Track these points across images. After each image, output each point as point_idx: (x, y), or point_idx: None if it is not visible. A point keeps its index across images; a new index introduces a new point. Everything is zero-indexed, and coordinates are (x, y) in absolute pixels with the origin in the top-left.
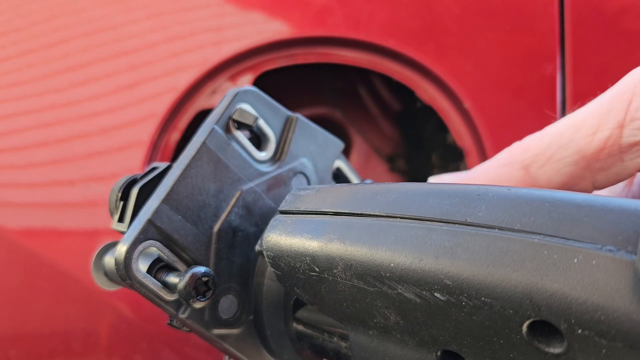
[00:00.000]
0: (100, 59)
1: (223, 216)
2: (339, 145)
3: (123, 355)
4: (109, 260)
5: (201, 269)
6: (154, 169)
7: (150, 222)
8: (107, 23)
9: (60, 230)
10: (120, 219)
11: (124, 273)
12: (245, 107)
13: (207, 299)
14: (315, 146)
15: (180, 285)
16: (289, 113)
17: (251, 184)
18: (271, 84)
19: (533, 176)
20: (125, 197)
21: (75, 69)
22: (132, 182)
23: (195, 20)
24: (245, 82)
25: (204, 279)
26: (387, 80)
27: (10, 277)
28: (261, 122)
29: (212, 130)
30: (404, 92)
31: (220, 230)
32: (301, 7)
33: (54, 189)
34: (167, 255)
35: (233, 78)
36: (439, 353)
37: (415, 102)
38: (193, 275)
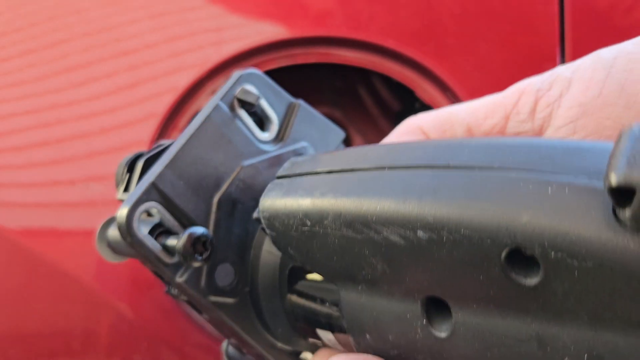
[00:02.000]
0: (100, 59)
1: (224, 187)
2: (340, 134)
3: (123, 355)
4: (113, 230)
5: (199, 229)
6: (159, 145)
7: (153, 185)
8: (107, 23)
9: (60, 230)
10: (126, 189)
11: (125, 231)
12: (249, 87)
13: (204, 259)
14: (316, 132)
15: (179, 244)
16: (292, 99)
17: (252, 160)
18: None
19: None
20: (131, 169)
21: (75, 69)
22: (138, 157)
23: (195, 20)
24: None
25: (202, 238)
26: (387, 80)
27: (10, 276)
28: (264, 103)
29: (217, 105)
30: (403, 92)
31: (220, 200)
32: (301, 7)
33: (54, 188)
34: (168, 219)
35: None
36: (424, 300)
37: (415, 102)
38: (191, 234)
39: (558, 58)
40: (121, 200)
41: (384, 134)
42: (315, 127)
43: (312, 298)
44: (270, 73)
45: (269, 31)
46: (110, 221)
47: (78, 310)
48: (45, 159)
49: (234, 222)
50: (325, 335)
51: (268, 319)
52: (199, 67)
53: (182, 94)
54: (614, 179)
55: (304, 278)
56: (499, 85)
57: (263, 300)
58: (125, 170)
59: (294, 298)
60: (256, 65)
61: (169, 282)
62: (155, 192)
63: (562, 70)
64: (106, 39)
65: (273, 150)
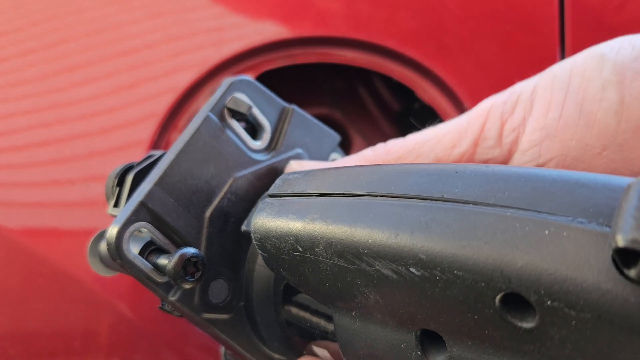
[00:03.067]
0: (101, 59)
1: (215, 201)
2: (335, 138)
3: (123, 355)
4: (104, 245)
5: (190, 250)
6: (150, 156)
7: (142, 204)
8: (107, 23)
9: (61, 230)
10: (116, 204)
11: (115, 253)
12: (240, 96)
13: (195, 280)
14: (310, 138)
15: (170, 266)
16: (285, 104)
17: (245, 172)
18: (271, 84)
19: None
20: (121, 183)
21: (75, 68)
22: (128, 169)
23: (195, 20)
24: None
25: (193, 259)
26: (387, 81)
27: (10, 276)
28: (256, 111)
29: (207, 117)
30: (404, 92)
31: (212, 215)
32: (301, 7)
33: (54, 188)
34: (158, 238)
35: None
36: (418, 332)
37: (415, 102)
38: (182, 256)
39: (558, 58)
40: (112, 216)
41: (384, 133)
42: (309, 132)
43: (307, 313)
44: (270, 73)
45: (269, 31)
46: (102, 235)
47: (78, 310)
48: (46, 159)
49: (226, 237)
50: (321, 351)
51: (264, 332)
52: (198, 67)
53: (182, 94)
54: (620, 241)
55: (298, 292)
56: (499, 85)
57: (258, 314)
58: (115, 183)
59: (290, 311)
60: (256, 66)
61: (162, 299)
62: (144, 211)
63: (522, 90)
64: (106, 39)
65: (266, 159)
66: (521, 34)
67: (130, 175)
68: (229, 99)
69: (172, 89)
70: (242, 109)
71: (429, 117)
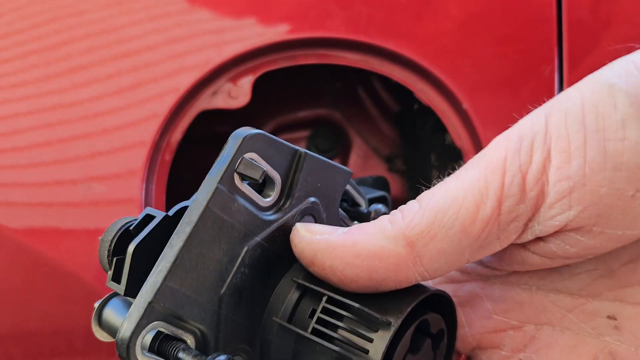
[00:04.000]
0: (103, 60)
1: (228, 280)
2: (348, 173)
3: None
4: (108, 314)
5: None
6: (148, 217)
7: (152, 305)
8: (109, 25)
9: (62, 230)
10: (116, 278)
11: (126, 359)
12: (251, 156)
13: None
14: (323, 181)
15: None
16: (296, 148)
17: (257, 238)
18: (272, 85)
19: (417, 254)
20: (118, 251)
21: (77, 70)
22: (124, 234)
23: (196, 22)
24: (246, 84)
25: None
26: (386, 82)
27: (12, 276)
28: (268, 169)
29: (216, 190)
30: (402, 93)
31: (225, 294)
32: (301, 9)
33: (56, 188)
34: (172, 332)
35: (234, 79)
36: None
37: (414, 103)
38: None
39: (556, 59)
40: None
41: (383, 134)
42: (321, 175)
43: None
44: (270, 74)
45: (270, 33)
46: (107, 300)
47: (80, 310)
48: (48, 159)
49: (241, 312)
50: None
51: None
52: (200, 68)
53: (183, 95)
54: None
55: None
56: (497, 86)
57: None
58: (111, 251)
59: None
60: (257, 67)
61: None
62: (155, 310)
63: (533, 132)
64: (108, 40)
65: (277, 217)
66: (519, 35)
67: (131, 248)
68: (239, 162)
69: (173, 90)
70: (255, 176)
71: (427, 117)
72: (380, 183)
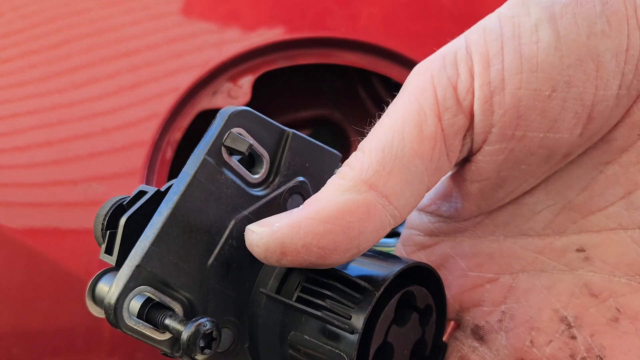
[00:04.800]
0: (103, 60)
1: (216, 250)
2: (337, 156)
3: (124, 353)
4: (101, 288)
5: (206, 323)
6: (141, 192)
7: (139, 268)
8: (109, 24)
9: (63, 230)
10: (108, 250)
11: (114, 322)
12: (238, 131)
13: (212, 351)
14: (312, 162)
15: (184, 338)
16: (283, 128)
17: (245, 212)
18: (271, 84)
19: (382, 194)
20: (111, 225)
21: (77, 70)
22: (118, 209)
23: (196, 22)
24: (246, 83)
25: (207, 331)
26: (386, 81)
27: (12, 276)
28: (254, 143)
29: (203, 160)
30: None
31: (213, 265)
32: (301, 9)
33: (57, 188)
34: (160, 298)
35: (234, 79)
36: None
37: None
38: (197, 329)
39: None
40: (105, 261)
41: None
42: (310, 155)
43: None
44: (270, 74)
45: (270, 32)
46: (101, 275)
47: (80, 309)
48: (48, 159)
49: (229, 284)
50: None
51: None
52: (200, 68)
53: (183, 95)
54: None
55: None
56: None
57: (264, 356)
58: (105, 225)
59: (295, 354)
60: (256, 67)
61: (165, 354)
62: (142, 274)
63: (455, 49)
64: (108, 40)
65: (266, 193)
66: None
67: (123, 220)
68: (226, 135)
69: (173, 90)
70: (242, 148)
71: None
72: None
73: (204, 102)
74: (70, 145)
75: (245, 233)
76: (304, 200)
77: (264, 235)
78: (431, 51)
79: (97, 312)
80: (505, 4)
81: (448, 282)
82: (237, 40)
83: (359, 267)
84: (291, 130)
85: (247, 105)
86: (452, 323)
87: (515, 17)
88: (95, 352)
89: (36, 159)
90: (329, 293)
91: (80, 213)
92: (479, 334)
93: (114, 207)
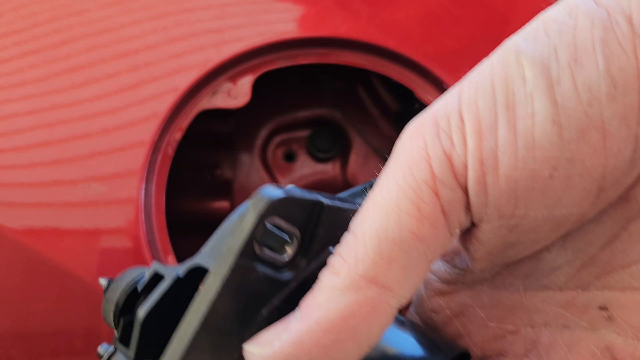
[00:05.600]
0: (102, 60)
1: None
2: None
3: None
4: None
5: None
6: (157, 276)
7: None
8: (109, 24)
9: (62, 230)
10: (124, 341)
11: None
12: (272, 221)
13: None
14: (345, 228)
15: None
16: (318, 200)
17: (275, 302)
18: (271, 84)
19: (384, 286)
20: (124, 310)
21: (77, 70)
22: (131, 295)
23: (195, 21)
24: (246, 83)
25: None
26: (386, 81)
27: (11, 276)
28: (288, 229)
29: (235, 265)
30: (402, 93)
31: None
32: (301, 8)
33: (56, 188)
34: None
35: (234, 79)
36: None
37: (414, 103)
38: None
39: None
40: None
41: (384, 134)
42: (343, 223)
43: None
44: (270, 73)
45: (270, 32)
46: (113, 356)
47: (80, 310)
48: (47, 159)
49: None
50: None
51: None
52: (199, 67)
53: (182, 95)
54: None
55: None
56: None
57: None
58: (118, 312)
59: None
60: (256, 67)
61: None
62: None
63: (448, 114)
64: (108, 40)
65: (296, 274)
66: None
67: (141, 314)
68: (260, 231)
69: (173, 90)
70: (277, 245)
71: None
72: None
73: (204, 102)
74: (69, 145)
75: (244, 354)
76: None
77: (266, 357)
78: (431, 51)
79: None
80: (498, 54)
81: (468, 331)
82: (237, 40)
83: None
84: (326, 202)
85: (246, 105)
86: None
87: (509, 80)
88: (94, 353)
89: (36, 159)
90: None
91: (80, 213)
92: None
93: (127, 292)
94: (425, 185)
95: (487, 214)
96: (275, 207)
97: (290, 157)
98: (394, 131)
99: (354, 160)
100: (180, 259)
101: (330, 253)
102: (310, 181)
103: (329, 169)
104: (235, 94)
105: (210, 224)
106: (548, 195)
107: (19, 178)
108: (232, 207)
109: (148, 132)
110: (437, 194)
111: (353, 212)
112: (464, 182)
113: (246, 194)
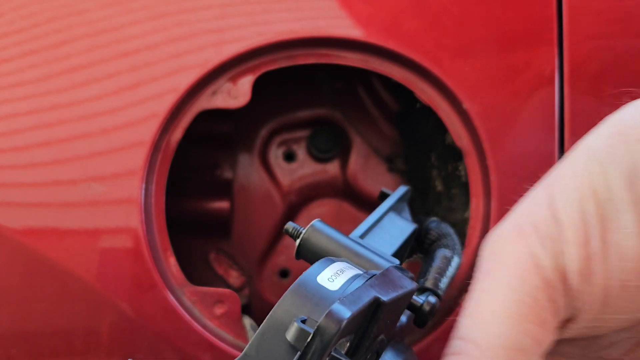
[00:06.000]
0: (102, 60)
1: None
2: (411, 292)
3: (124, 354)
4: None
5: None
6: None
7: None
8: (109, 24)
9: (62, 230)
10: None
11: None
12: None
13: None
14: (395, 314)
15: None
16: (373, 298)
17: None
18: (271, 84)
19: None
20: None
21: (76, 69)
22: None
23: (196, 21)
24: (246, 83)
25: None
26: (386, 81)
27: (11, 276)
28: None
29: None
30: (403, 93)
31: None
32: (301, 9)
33: (56, 188)
34: None
35: (234, 79)
36: None
37: (415, 103)
38: None
39: (556, 59)
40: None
41: (384, 134)
42: (394, 310)
43: None
44: (270, 74)
45: (270, 32)
46: None
47: (80, 310)
48: (47, 159)
49: None
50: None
51: None
52: (199, 68)
53: (182, 95)
54: None
55: None
56: (498, 86)
57: None
58: None
59: None
60: (256, 67)
61: None
62: None
63: (545, 222)
64: (107, 40)
65: None
66: (519, 35)
67: None
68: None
69: (173, 90)
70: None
71: (427, 117)
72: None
73: (204, 102)
74: (69, 145)
75: None
76: (377, 356)
77: None
78: (431, 51)
79: None
80: (581, 162)
81: None
82: (237, 40)
83: None
84: (384, 299)
85: (246, 105)
86: None
87: (597, 191)
88: (94, 353)
89: (36, 159)
90: None
91: (80, 213)
92: None
93: None
94: (541, 293)
95: (578, 317)
96: (342, 333)
97: (290, 157)
98: (394, 131)
99: (354, 160)
100: (180, 259)
101: (378, 342)
102: (310, 181)
103: (329, 169)
104: (235, 94)
105: (210, 224)
106: (635, 302)
107: (19, 178)
108: (232, 207)
109: (148, 132)
110: (552, 301)
111: (405, 295)
112: (570, 289)
113: (246, 194)
